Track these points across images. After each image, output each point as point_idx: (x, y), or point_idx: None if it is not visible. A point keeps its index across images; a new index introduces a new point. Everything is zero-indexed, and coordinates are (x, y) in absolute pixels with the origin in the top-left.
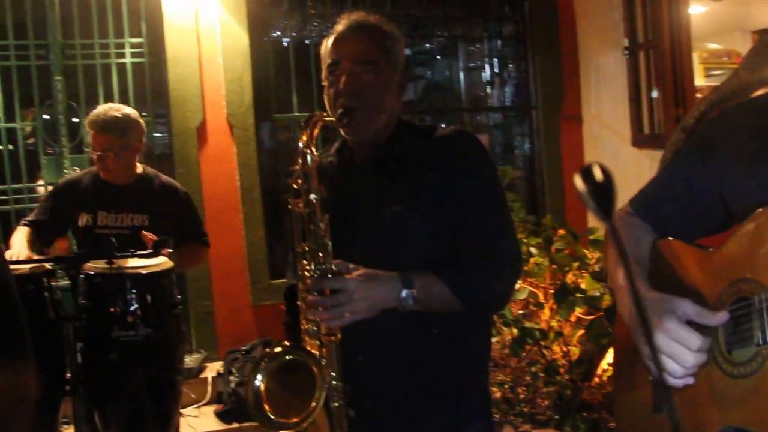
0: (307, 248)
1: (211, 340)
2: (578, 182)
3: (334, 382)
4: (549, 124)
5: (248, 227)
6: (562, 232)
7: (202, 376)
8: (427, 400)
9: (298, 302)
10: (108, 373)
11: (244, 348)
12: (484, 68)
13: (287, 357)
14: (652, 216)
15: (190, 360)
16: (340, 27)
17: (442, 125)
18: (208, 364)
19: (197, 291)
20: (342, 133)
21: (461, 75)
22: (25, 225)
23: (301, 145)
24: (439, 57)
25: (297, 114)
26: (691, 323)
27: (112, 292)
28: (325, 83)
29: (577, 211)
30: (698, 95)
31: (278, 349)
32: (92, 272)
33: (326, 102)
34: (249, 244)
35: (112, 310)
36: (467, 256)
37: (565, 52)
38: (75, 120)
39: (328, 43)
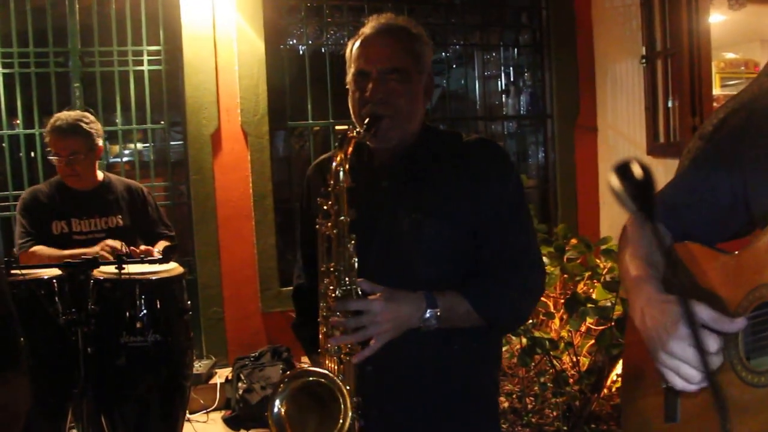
0: (332, 268)
1: (221, 347)
2: (613, 181)
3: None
4: (564, 133)
5: (260, 235)
6: (574, 241)
7: (212, 382)
8: (436, 410)
9: (319, 320)
10: (116, 379)
11: (252, 354)
12: (500, 77)
13: (305, 379)
14: (671, 219)
15: (199, 366)
16: (367, 30)
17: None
18: (217, 371)
19: (208, 297)
20: (368, 142)
21: (477, 83)
22: (34, 243)
23: (335, 163)
24: (454, 66)
25: (311, 122)
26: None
27: (122, 298)
28: (349, 87)
29: (590, 221)
30: (714, 104)
31: (296, 372)
32: (102, 277)
33: (351, 107)
34: (260, 252)
35: (121, 315)
36: (491, 270)
37: (582, 61)
38: None
39: (354, 46)
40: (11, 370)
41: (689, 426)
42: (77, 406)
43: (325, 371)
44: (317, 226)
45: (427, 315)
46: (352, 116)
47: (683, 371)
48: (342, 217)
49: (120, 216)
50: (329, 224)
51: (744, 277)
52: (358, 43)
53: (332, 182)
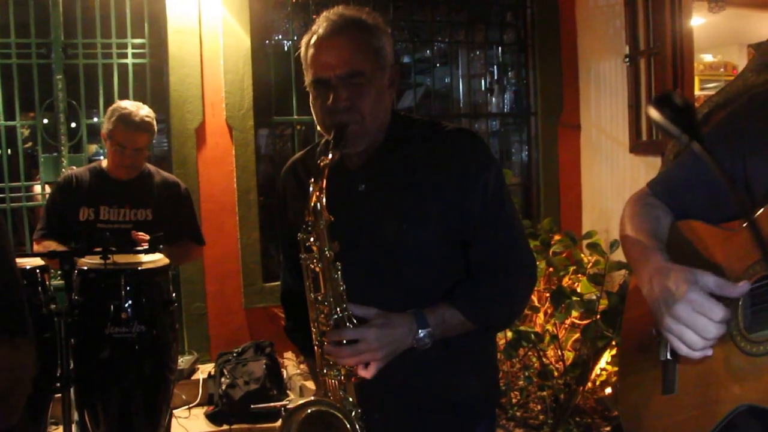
0: (320, 298)
1: (204, 342)
2: (653, 113)
3: (353, 411)
4: (547, 131)
5: (243, 230)
6: (558, 237)
7: (194, 377)
8: (436, 407)
9: (314, 345)
10: (100, 371)
11: (235, 350)
12: (484, 75)
13: (306, 411)
14: (673, 200)
15: (182, 361)
16: (320, 30)
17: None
18: (199, 366)
19: (191, 292)
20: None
21: (461, 81)
22: (44, 236)
23: (312, 200)
24: (438, 65)
25: (296, 117)
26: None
27: (107, 288)
28: (309, 92)
29: (572, 218)
30: (697, 105)
31: (296, 406)
32: (86, 268)
33: (314, 115)
34: (243, 247)
35: (106, 306)
36: (480, 270)
37: (566, 59)
38: (73, 125)
39: (308, 47)
40: (20, 336)
41: (687, 397)
42: (59, 402)
43: (324, 399)
44: (301, 261)
45: (420, 335)
46: (317, 123)
47: (687, 337)
48: (327, 252)
49: (150, 210)
50: (314, 259)
51: (744, 252)
52: (312, 44)
53: (312, 219)
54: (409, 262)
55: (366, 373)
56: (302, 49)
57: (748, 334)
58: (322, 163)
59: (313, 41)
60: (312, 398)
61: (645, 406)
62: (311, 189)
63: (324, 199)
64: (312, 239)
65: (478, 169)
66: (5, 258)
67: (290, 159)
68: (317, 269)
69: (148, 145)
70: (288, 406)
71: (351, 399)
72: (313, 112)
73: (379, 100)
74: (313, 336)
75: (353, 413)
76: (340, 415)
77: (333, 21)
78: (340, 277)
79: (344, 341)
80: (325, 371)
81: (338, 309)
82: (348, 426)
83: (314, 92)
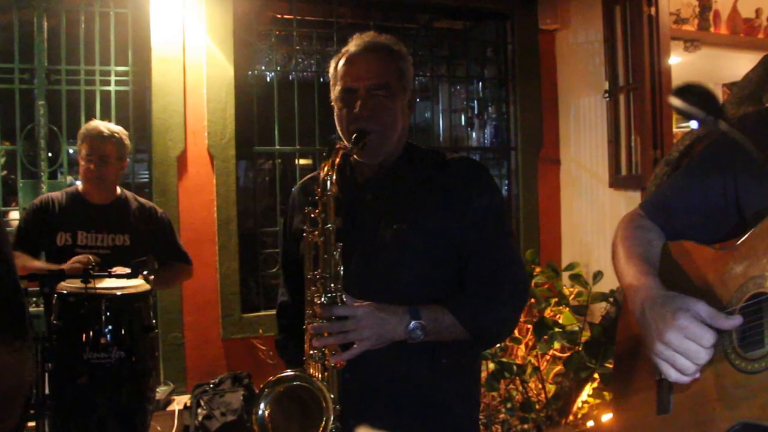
0: (318, 275)
1: (180, 373)
2: (675, 101)
3: (334, 405)
4: (527, 166)
5: (222, 259)
6: (539, 269)
7: (170, 408)
8: (414, 421)
9: (305, 327)
10: (77, 397)
11: (212, 381)
12: (464, 109)
13: (291, 383)
14: (665, 221)
15: (158, 392)
16: (352, 48)
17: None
18: (175, 397)
19: (168, 322)
20: (355, 156)
21: (441, 115)
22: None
23: (322, 174)
24: (419, 99)
25: (278, 148)
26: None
27: (86, 313)
28: (335, 104)
29: (552, 252)
30: (675, 140)
31: (282, 375)
32: (66, 291)
33: (337, 123)
34: (222, 277)
35: (84, 331)
36: (475, 285)
37: (546, 95)
38: (50, 154)
39: (339, 64)
40: (20, 340)
41: (682, 416)
42: (34, 428)
43: (310, 375)
44: (304, 235)
45: (412, 326)
46: (339, 132)
47: (678, 362)
48: (329, 225)
49: (128, 235)
50: (316, 232)
51: (740, 268)
52: (343, 61)
53: (320, 191)
54: (405, 266)
55: (347, 355)
56: (332, 68)
57: (742, 349)
58: (337, 146)
59: (345, 58)
60: (298, 372)
61: (639, 426)
62: (322, 164)
63: (334, 176)
64: (317, 211)
65: (480, 190)
66: (6, 261)
67: (302, 179)
68: (319, 243)
69: (116, 157)
70: (276, 375)
71: (333, 396)
72: (337, 123)
73: (397, 117)
74: (306, 317)
75: (334, 407)
76: (319, 395)
77: (366, 41)
78: (339, 257)
79: (333, 318)
80: (312, 352)
81: (332, 286)
82: (323, 413)
83: (340, 103)
